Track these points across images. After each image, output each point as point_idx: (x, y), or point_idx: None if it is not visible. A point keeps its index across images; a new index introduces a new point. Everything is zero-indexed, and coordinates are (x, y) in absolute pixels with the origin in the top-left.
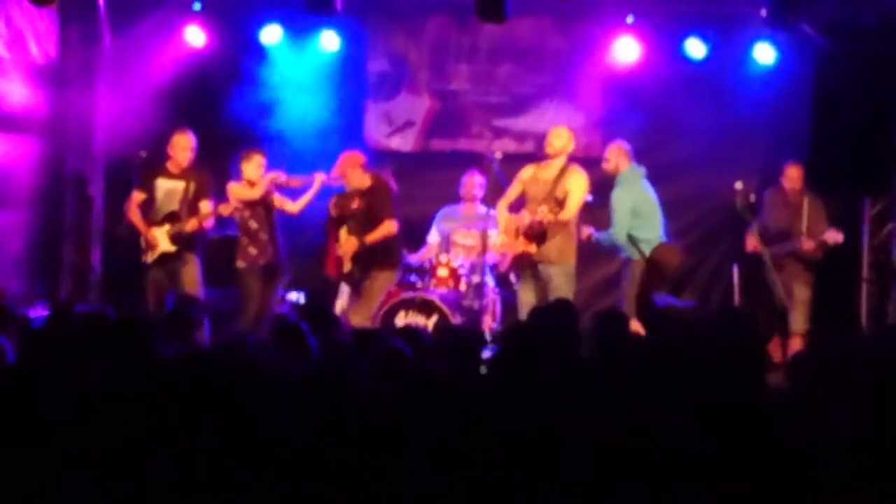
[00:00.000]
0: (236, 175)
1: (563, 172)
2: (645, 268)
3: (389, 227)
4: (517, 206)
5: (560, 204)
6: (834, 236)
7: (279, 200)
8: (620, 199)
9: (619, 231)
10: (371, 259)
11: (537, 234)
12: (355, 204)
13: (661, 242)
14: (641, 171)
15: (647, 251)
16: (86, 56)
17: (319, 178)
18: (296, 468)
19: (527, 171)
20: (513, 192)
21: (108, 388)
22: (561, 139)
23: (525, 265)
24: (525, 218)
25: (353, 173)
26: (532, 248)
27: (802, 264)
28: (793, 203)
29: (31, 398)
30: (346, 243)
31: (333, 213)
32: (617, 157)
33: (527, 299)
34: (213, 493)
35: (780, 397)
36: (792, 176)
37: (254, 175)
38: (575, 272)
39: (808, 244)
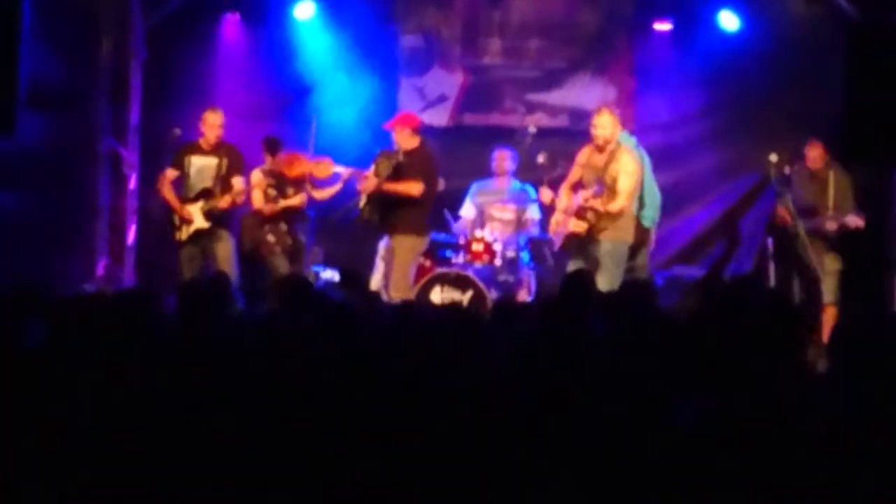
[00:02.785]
0: (260, 159)
1: (611, 156)
2: None
3: (413, 187)
4: (577, 188)
5: (611, 190)
6: (855, 221)
7: (304, 193)
8: None
9: None
10: (392, 223)
11: (588, 218)
12: (399, 157)
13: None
14: (633, 139)
15: None
16: (119, 34)
17: (348, 173)
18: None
19: (583, 155)
20: (573, 175)
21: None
22: (606, 129)
23: (574, 244)
24: (580, 199)
25: (402, 132)
26: (581, 230)
27: (832, 236)
28: (818, 179)
29: (61, 381)
30: (368, 180)
31: (376, 158)
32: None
33: None
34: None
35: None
36: (811, 156)
37: (275, 166)
38: (626, 251)
39: (830, 225)
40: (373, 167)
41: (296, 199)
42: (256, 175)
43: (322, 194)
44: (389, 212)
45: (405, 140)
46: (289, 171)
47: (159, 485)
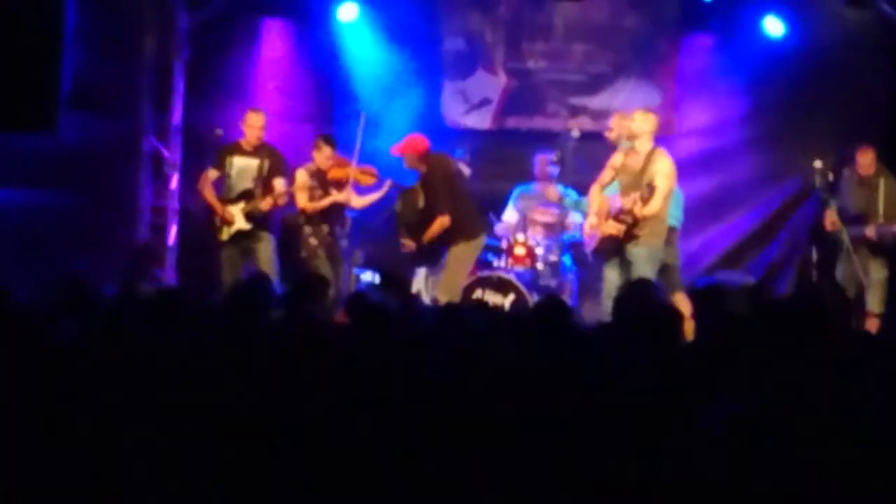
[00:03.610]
0: (303, 159)
1: (648, 159)
2: None
3: (442, 223)
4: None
5: (651, 192)
6: None
7: (347, 193)
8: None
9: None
10: (446, 243)
11: (625, 220)
12: (420, 202)
13: None
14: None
15: None
16: (162, 33)
17: (388, 184)
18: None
19: (617, 158)
20: (606, 177)
21: (179, 368)
22: (637, 122)
23: (610, 247)
24: (617, 201)
25: (410, 158)
26: (619, 232)
27: (879, 245)
28: (868, 185)
29: (97, 378)
30: (406, 245)
31: (397, 209)
32: (619, 126)
33: (611, 277)
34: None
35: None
36: (863, 163)
37: (323, 164)
38: (661, 253)
39: (870, 232)
40: (405, 235)
41: (340, 196)
42: (301, 175)
43: (362, 202)
44: (438, 238)
45: (415, 165)
46: (334, 173)
47: (189, 482)
